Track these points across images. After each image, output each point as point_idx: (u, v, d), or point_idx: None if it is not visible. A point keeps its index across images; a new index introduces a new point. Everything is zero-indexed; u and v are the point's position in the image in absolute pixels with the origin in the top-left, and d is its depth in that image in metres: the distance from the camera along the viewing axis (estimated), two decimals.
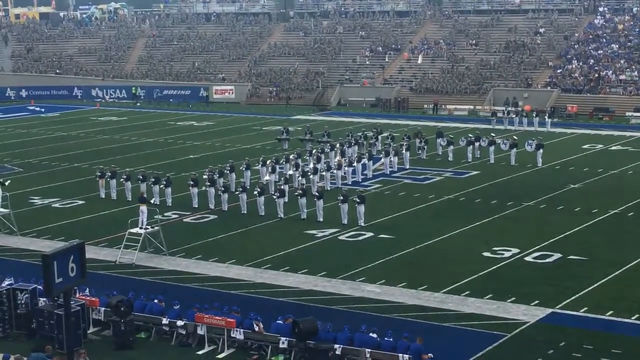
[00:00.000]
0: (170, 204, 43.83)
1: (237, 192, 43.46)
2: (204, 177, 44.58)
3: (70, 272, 17.46)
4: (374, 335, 24.90)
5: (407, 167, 52.74)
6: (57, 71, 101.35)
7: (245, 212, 42.22)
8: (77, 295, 27.35)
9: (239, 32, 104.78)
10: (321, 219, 40.35)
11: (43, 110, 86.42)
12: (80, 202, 45.65)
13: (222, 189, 43.38)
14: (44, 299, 27.08)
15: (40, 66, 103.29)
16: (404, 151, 53.32)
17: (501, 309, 28.98)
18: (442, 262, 34.34)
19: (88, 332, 27.00)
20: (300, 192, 41.34)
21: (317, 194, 41.16)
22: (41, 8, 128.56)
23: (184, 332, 26.69)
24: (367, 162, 50.98)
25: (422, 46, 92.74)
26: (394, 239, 37.55)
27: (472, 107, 79.27)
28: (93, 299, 27.74)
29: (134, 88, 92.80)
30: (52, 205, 45.33)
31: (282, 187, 42.69)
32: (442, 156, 56.28)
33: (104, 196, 46.08)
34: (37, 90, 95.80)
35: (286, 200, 41.91)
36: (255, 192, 42.08)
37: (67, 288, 17.96)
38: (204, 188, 43.83)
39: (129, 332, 26.46)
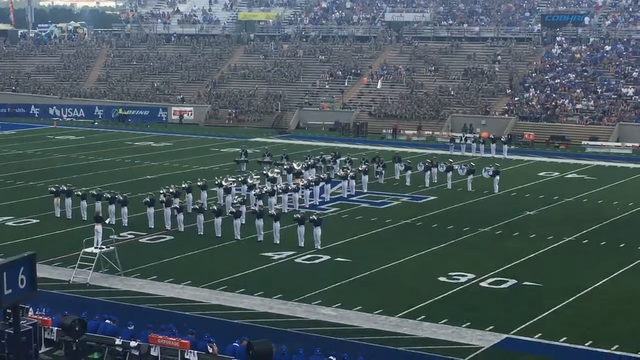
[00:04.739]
0: (126, 224, 43.52)
1: (190, 212, 43.33)
2: (160, 198, 44.28)
3: (20, 284, 17.11)
4: (333, 359, 24.77)
5: (365, 191, 52.82)
6: (14, 88, 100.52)
7: (201, 233, 42.02)
8: (30, 314, 27.01)
9: (199, 53, 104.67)
10: (278, 241, 40.26)
11: None
12: (35, 220, 45.19)
13: (178, 207, 43.16)
14: None
15: None
16: (362, 175, 53.43)
17: (456, 334, 29.02)
18: (397, 286, 34.37)
19: (40, 352, 26.63)
20: (258, 212, 41.20)
21: (274, 213, 41.12)
22: None
23: (137, 353, 26.42)
24: (325, 185, 50.95)
25: (381, 71, 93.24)
26: (350, 262, 37.53)
27: (430, 132, 79.73)
28: (45, 318, 27.40)
29: (120, 109, 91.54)
30: (6, 223, 44.82)
31: (240, 208, 42.55)
32: (399, 181, 56.47)
33: (59, 215, 45.62)
34: None
35: (243, 222, 41.81)
36: (213, 212, 41.98)
37: (17, 300, 17.60)
38: (160, 208, 43.62)
39: (82, 352, 26.12)
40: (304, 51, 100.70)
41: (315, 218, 39.85)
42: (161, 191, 45.39)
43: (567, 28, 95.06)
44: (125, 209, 43.96)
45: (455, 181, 54.83)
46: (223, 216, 42.19)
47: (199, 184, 48.03)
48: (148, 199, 43.93)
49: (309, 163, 56.08)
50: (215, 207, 42.57)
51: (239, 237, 41.05)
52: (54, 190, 46.36)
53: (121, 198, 44.28)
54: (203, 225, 42.18)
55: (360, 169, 54.24)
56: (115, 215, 43.88)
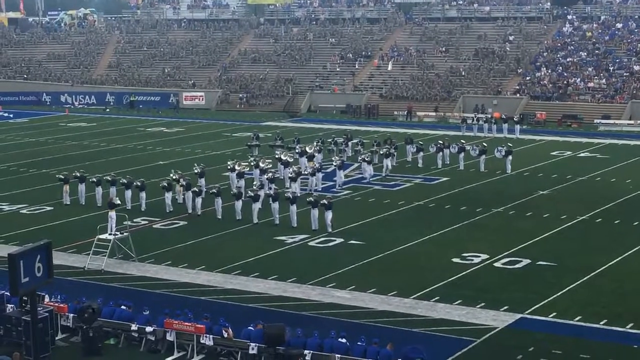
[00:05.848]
0: (144, 209, 43.62)
1: (204, 197, 43.50)
2: (180, 182, 44.37)
3: (36, 272, 17.25)
4: (344, 341, 24.88)
5: (385, 174, 52.42)
6: (25, 76, 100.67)
7: (220, 217, 42.04)
8: (46, 301, 27.21)
9: (209, 38, 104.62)
10: (295, 224, 40.28)
11: (11, 116, 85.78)
12: (49, 208, 45.35)
13: (197, 191, 43.24)
14: (12, 305, 26.86)
15: (8, 72, 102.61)
16: (384, 158, 53.09)
17: (470, 315, 29.06)
18: (411, 268, 34.40)
19: (56, 338, 26.82)
20: (273, 195, 41.25)
21: (290, 196, 41.16)
22: (10, 13, 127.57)
23: (153, 338, 26.55)
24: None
25: (392, 53, 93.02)
26: (364, 245, 37.56)
27: (442, 113, 79.56)
28: (61, 305, 27.56)
29: (132, 95, 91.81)
30: (21, 211, 44.99)
31: (258, 192, 42.47)
32: (411, 163, 56.42)
33: (68, 203, 45.62)
34: (6, 96, 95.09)
35: (261, 207, 41.74)
36: (233, 195, 42.14)
37: (34, 288, 17.73)
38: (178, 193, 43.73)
39: (97, 338, 26.29)
40: (314, 34, 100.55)
41: (326, 202, 39.85)
42: (174, 176, 45.46)
43: (578, 6, 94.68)
44: (143, 194, 44.07)
45: (467, 162, 54.74)
46: (243, 199, 42.18)
47: (199, 170, 47.93)
48: (165, 184, 44.02)
49: (320, 146, 55.96)
50: (234, 191, 42.70)
51: (257, 221, 41.09)
52: (63, 177, 46.46)
53: (138, 184, 44.37)
54: (221, 209, 42.23)
55: (381, 152, 54.01)
56: (132, 200, 43.97)
